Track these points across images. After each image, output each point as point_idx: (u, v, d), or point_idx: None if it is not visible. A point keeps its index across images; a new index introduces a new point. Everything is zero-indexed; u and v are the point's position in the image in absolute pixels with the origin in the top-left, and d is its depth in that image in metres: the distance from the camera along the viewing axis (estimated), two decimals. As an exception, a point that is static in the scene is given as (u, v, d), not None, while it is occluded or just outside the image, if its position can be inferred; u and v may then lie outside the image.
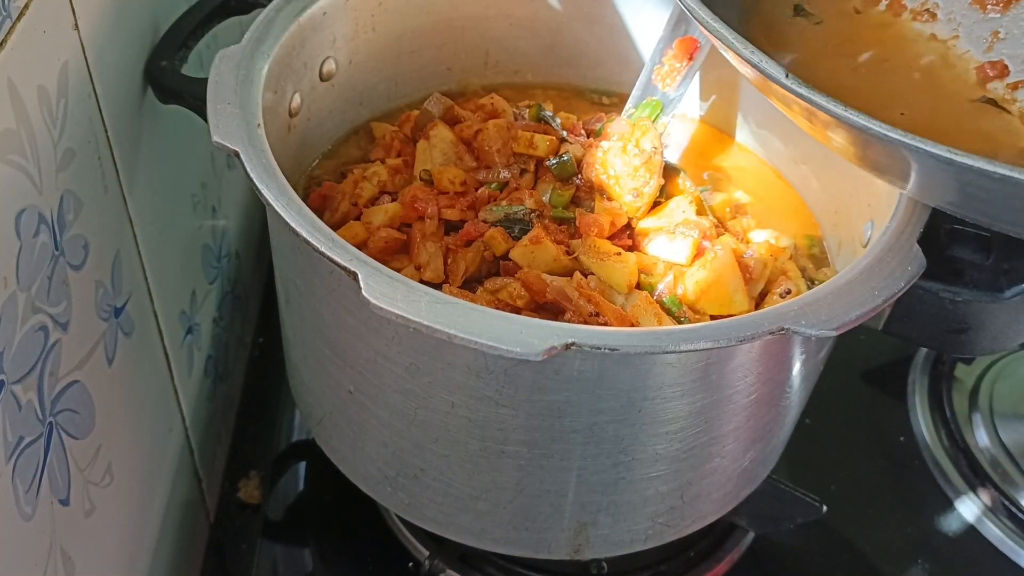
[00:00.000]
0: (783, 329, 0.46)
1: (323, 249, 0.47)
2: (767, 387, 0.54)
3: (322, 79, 0.67)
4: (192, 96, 0.59)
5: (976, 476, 0.76)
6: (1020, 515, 0.74)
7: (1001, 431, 0.79)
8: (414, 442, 0.55)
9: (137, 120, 0.61)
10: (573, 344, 0.44)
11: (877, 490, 0.76)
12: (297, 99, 0.64)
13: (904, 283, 0.49)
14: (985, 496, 0.75)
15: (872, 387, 0.86)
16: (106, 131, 0.55)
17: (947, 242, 0.56)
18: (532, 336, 0.44)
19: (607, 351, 0.44)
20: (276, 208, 0.48)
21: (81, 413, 0.52)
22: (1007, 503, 0.74)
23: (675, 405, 0.51)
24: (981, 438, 0.79)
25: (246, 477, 0.76)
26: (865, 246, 0.60)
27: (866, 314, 0.47)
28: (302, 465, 0.79)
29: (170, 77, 0.61)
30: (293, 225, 0.48)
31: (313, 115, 0.67)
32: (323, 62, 0.66)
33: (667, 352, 0.45)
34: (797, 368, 0.55)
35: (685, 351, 0.45)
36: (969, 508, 0.75)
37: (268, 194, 0.49)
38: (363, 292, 0.44)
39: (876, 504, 0.75)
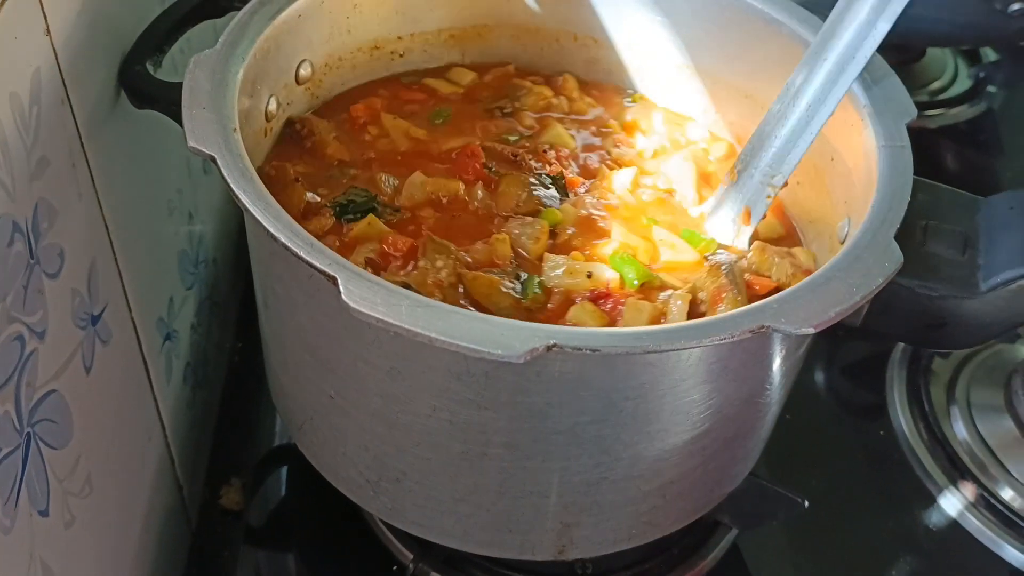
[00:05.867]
0: (763, 327, 0.46)
1: (302, 254, 0.46)
2: (747, 385, 0.54)
3: (298, 82, 0.67)
4: (167, 101, 0.58)
5: (956, 469, 0.77)
6: (1000, 508, 0.74)
7: (979, 423, 0.80)
8: (396, 446, 0.55)
9: (111, 126, 0.60)
10: (555, 345, 0.44)
11: (858, 485, 0.77)
12: (273, 103, 0.64)
13: (882, 280, 0.49)
14: (965, 489, 0.76)
15: (851, 381, 0.86)
16: (80, 138, 0.55)
17: (923, 238, 0.56)
18: (513, 338, 0.44)
19: (588, 352, 0.44)
20: (254, 213, 0.48)
21: (59, 423, 0.52)
22: (987, 496, 0.75)
23: (656, 405, 0.51)
24: (959, 431, 0.80)
25: (227, 484, 0.75)
26: (842, 243, 0.61)
27: (844, 311, 0.48)
28: (284, 470, 0.78)
29: (144, 82, 0.61)
30: (271, 230, 0.47)
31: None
32: (299, 65, 0.66)
33: (648, 352, 0.46)
34: (777, 365, 0.55)
35: (666, 350, 0.45)
36: (950, 502, 0.75)
37: (246, 199, 0.49)
38: (343, 297, 0.44)
39: (858, 499, 0.76)
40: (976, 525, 0.74)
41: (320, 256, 0.46)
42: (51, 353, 0.50)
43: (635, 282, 0.57)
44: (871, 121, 0.60)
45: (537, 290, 0.56)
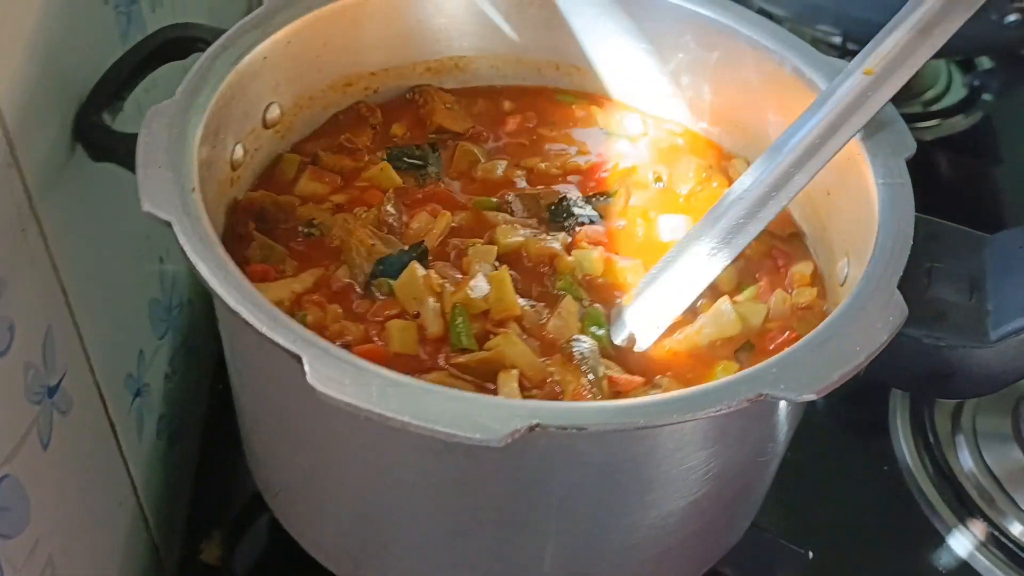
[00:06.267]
0: (761, 395, 0.43)
1: (264, 330, 0.43)
2: (747, 447, 0.51)
3: (266, 126, 0.63)
4: (126, 153, 0.55)
5: (963, 506, 0.74)
6: (1009, 545, 0.72)
7: (985, 454, 0.77)
8: (377, 520, 0.52)
9: (67, 182, 0.57)
10: (537, 426, 0.41)
11: (863, 526, 0.73)
12: (239, 150, 0.61)
13: (887, 336, 0.47)
14: (974, 526, 0.73)
15: (853, 412, 0.83)
16: (30, 200, 0.51)
17: (927, 282, 0.53)
18: (493, 419, 0.41)
19: (574, 431, 0.41)
20: (213, 286, 0.45)
21: (13, 509, 0.48)
22: (996, 533, 0.72)
23: (651, 475, 0.48)
24: (965, 461, 0.77)
25: (208, 538, 0.72)
26: (842, 284, 0.58)
27: (848, 373, 0.45)
28: (267, 516, 0.75)
29: (101, 134, 0.57)
30: (231, 304, 0.44)
31: (258, 164, 0.64)
32: (266, 108, 0.63)
33: (638, 428, 0.42)
34: (778, 424, 0.52)
35: (657, 426, 0.42)
36: (959, 541, 0.72)
37: (204, 269, 0.46)
38: (308, 378, 0.41)
39: (863, 542, 0.72)
40: (985, 564, 0.71)
41: (285, 332, 0.43)
42: (1, 437, 0.47)
43: (463, 340, 0.52)
44: (868, 156, 0.57)
45: (390, 283, 0.56)
